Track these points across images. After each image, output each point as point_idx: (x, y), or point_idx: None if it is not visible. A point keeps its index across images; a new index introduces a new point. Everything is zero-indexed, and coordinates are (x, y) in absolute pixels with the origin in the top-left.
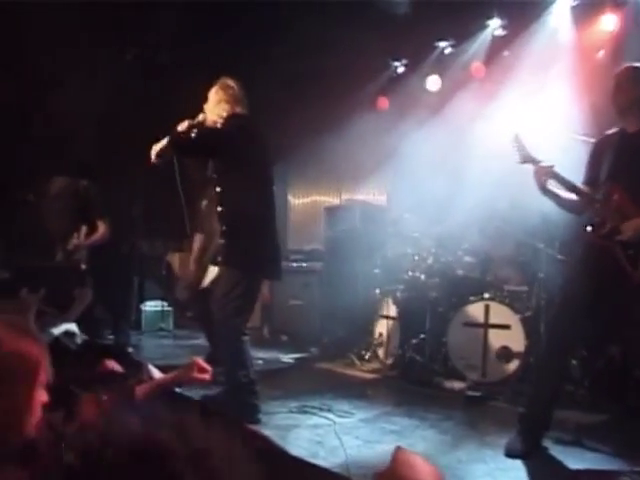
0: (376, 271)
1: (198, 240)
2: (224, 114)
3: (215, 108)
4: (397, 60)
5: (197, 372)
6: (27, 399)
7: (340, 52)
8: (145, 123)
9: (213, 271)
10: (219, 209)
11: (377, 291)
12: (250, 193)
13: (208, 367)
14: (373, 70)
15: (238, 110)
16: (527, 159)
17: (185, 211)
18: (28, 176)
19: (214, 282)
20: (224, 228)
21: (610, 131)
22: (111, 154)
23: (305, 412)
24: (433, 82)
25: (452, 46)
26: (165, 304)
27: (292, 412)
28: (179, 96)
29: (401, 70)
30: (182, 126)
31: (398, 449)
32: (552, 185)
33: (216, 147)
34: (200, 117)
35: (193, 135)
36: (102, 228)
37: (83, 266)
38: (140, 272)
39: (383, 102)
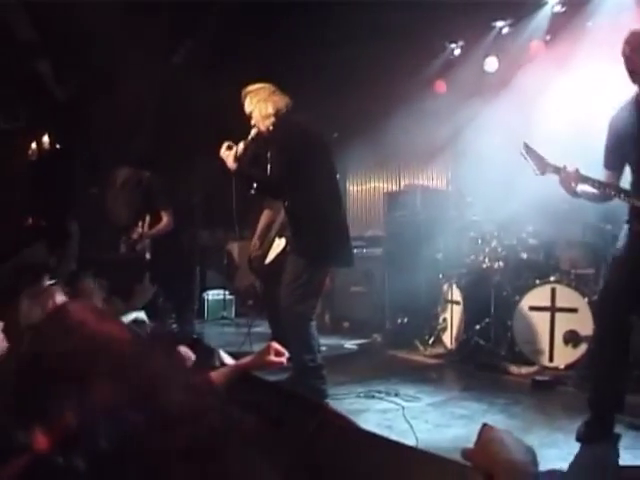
0: (438, 256)
1: (266, 215)
2: (264, 113)
3: (257, 113)
4: (454, 42)
5: (273, 356)
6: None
7: (396, 36)
8: (204, 115)
9: (279, 245)
10: (285, 203)
11: (440, 276)
12: (313, 185)
13: (284, 351)
14: (430, 53)
15: (281, 105)
16: (547, 169)
17: (235, 212)
18: (91, 170)
19: (279, 256)
20: (290, 220)
21: (621, 103)
22: (171, 145)
23: (372, 397)
24: (491, 63)
25: (510, 25)
26: (227, 293)
27: (359, 397)
28: (236, 87)
29: (458, 52)
30: (239, 148)
31: (486, 426)
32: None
33: (283, 183)
34: (252, 133)
35: (262, 186)
36: (165, 218)
37: (147, 256)
38: (202, 262)
39: (441, 85)
